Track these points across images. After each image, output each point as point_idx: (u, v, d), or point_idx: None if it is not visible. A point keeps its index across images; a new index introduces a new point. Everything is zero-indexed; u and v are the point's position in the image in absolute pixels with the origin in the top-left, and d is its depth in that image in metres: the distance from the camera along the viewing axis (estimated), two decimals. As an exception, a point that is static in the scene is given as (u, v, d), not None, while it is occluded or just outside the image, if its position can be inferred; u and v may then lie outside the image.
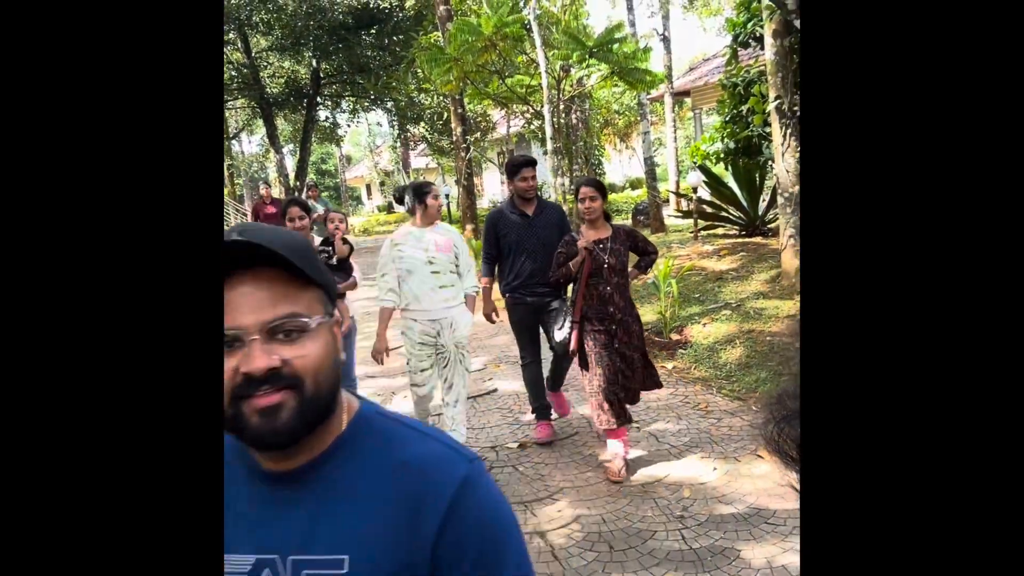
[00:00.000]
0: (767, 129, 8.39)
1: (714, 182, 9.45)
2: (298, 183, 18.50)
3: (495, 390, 5.42)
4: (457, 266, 3.75)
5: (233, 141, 27.21)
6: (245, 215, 22.84)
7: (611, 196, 19.51)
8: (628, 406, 3.76)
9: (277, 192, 22.23)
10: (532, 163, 4.09)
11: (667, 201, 14.85)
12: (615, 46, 8.72)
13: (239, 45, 18.30)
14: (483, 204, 22.94)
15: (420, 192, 3.71)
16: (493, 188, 25.98)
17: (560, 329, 3.82)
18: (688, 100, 16.92)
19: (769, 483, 3.49)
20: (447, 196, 20.38)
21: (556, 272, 3.70)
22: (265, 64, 19.69)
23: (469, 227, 13.12)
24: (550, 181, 9.10)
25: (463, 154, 13.25)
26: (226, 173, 26.67)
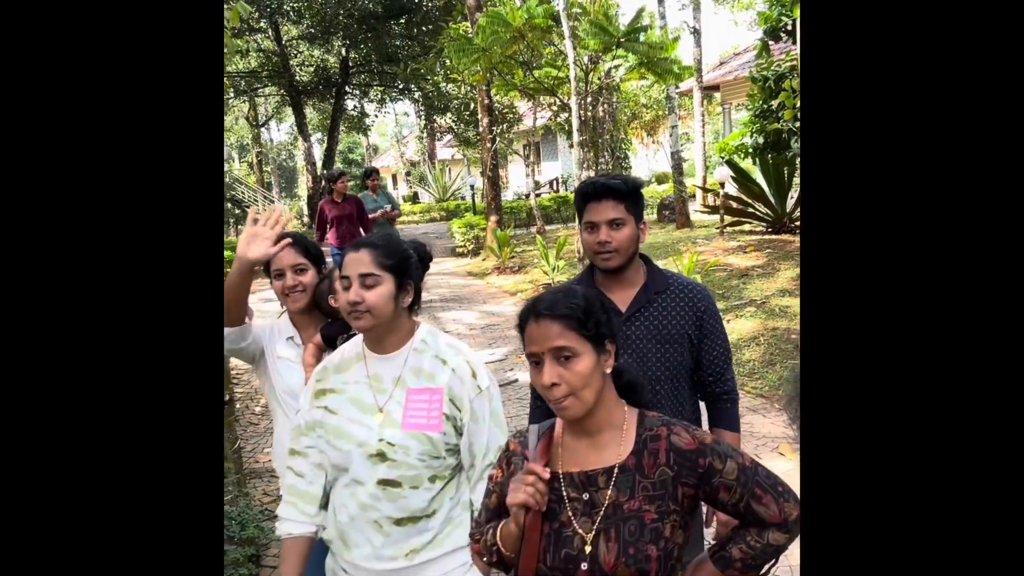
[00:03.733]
0: (797, 124, 8.26)
1: (742, 177, 9.34)
2: (325, 172, 18.66)
3: (515, 380, 5.43)
4: (454, 451, 1.56)
5: (262, 129, 27.50)
6: (272, 201, 23.10)
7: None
8: None
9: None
10: (612, 192, 1.79)
11: (693, 196, 14.72)
12: (642, 35, 8.65)
13: (270, 33, 18.47)
14: (507, 196, 22.94)
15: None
16: (518, 180, 25.97)
17: None
18: (717, 95, 16.72)
19: (791, 481, 3.46)
20: (472, 188, 20.37)
21: (482, 539, 1.36)
22: (295, 52, 19.85)
23: (493, 218, 13.13)
24: (575, 174, 9.07)
25: (489, 145, 13.25)
26: (255, 160, 26.98)
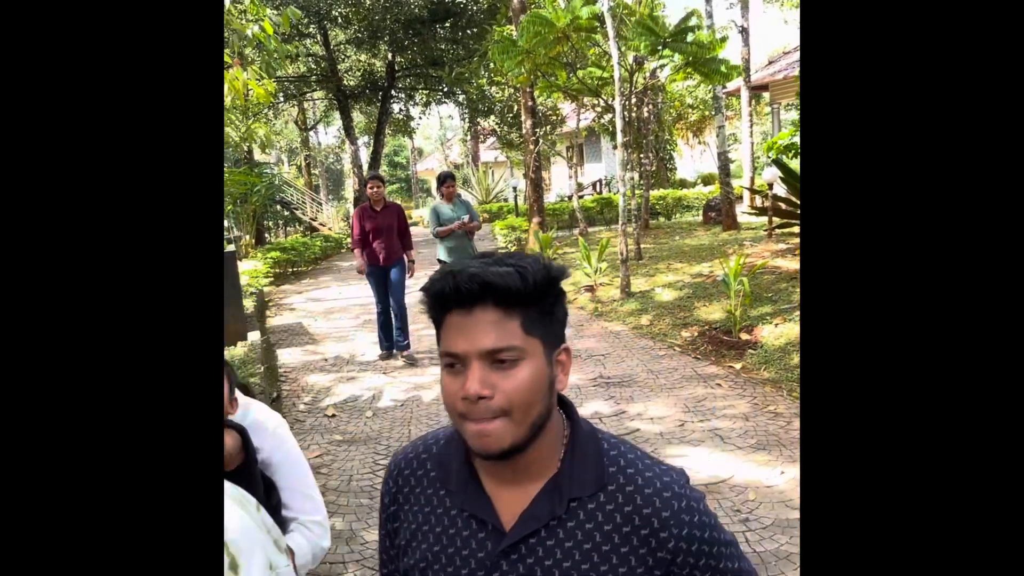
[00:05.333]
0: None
1: (791, 178, 9.11)
2: (368, 172, 18.92)
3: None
4: None
5: (311, 132, 28.11)
6: (320, 204, 23.56)
7: (681, 192, 19.08)
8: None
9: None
10: (493, 292, 0.80)
11: (740, 198, 14.44)
12: (689, 35, 8.52)
13: (319, 38, 18.84)
14: (550, 198, 22.87)
15: None
16: (561, 182, 25.90)
17: None
18: (766, 95, 16.37)
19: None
20: (515, 190, 20.42)
21: None
22: (343, 57, 20.22)
23: (535, 220, 13.12)
24: (618, 175, 8.98)
25: (532, 147, 13.25)
26: (303, 164, 27.57)
